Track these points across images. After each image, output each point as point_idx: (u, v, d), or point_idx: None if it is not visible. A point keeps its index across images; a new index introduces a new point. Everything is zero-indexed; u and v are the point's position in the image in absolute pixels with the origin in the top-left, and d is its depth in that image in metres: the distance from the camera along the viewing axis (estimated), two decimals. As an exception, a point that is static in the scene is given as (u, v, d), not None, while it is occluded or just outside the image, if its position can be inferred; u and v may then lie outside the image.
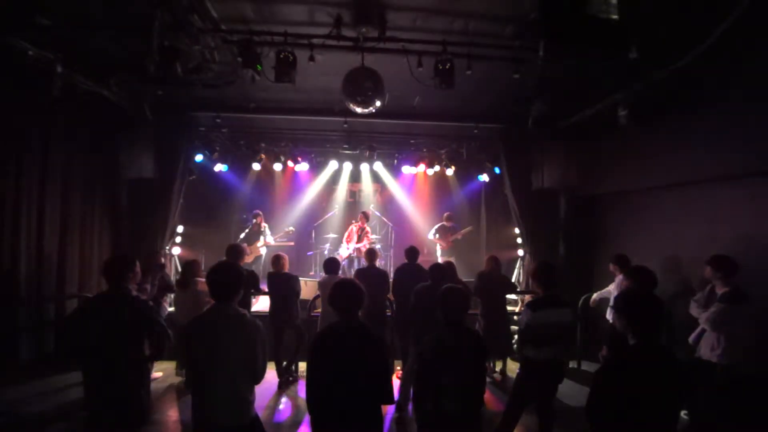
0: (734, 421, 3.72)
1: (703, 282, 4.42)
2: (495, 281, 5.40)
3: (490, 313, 5.31)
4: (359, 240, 8.47)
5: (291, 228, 8.89)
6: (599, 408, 2.10)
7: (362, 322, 2.57)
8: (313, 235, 9.63)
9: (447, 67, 4.27)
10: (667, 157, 5.09)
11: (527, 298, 6.29)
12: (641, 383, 2.04)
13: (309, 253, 9.49)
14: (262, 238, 8.12)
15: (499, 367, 5.77)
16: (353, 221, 8.79)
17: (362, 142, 8.24)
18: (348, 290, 2.56)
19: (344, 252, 8.52)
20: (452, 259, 7.41)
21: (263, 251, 8.19)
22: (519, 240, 7.74)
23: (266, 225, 8.31)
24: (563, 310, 3.45)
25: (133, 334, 2.89)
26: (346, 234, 8.73)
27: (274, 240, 8.37)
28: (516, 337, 4.85)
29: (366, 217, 8.68)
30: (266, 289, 5.45)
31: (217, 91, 5.46)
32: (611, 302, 5.01)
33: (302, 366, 5.57)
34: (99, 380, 2.86)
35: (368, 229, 8.69)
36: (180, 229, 7.19)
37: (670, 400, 2.09)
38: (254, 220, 8.25)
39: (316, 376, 2.45)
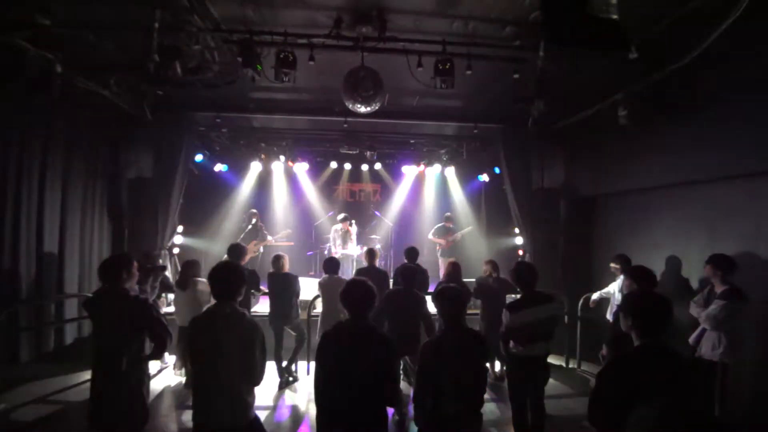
0: (734, 420, 3.72)
1: (703, 283, 4.42)
2: (494, 284, 5.40)
3: (491, 316, 5.31)
4: (344, 245, 8.32)
5: (289, 231, 8.87)
6: (602, 409, 2.09)
7: (370, 323, 2.56)
8: (313, 235, 9.63)
9: (447, 67, 4.27)
10: (667, 157, 5.09)
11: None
12: (645, 384, 2.03)
13: (309, 253, 9.50)
14: (258, 237, 8.10)
15: (499, 368, 5.76)
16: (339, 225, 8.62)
17: (362, 142, 8.24)
18: (360, 290, 2.54)
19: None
20: (453, 259, 7.41)
21: (260, 250, 8.14)
22: (519, 240, 7.74)
23: (262, 224, 8.26)
24: (542, 307, 3.52)
25: (134, 334, 2.89)
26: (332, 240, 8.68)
27: (274, 240, 8.32)
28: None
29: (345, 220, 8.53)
30: (266, 289, 5.46)
31: (217, 91, 5.45)
32: (612, 302, 5.01)
33: (302, 366, 5.57)
34: (100, 379, 2.87)
35: (344, 229, 8.45)
36: (180, 229, 7.19)
37: (675, 401, 2.08)
38: (253, 220, 8.20)
39: (323, 376, 2.45)
